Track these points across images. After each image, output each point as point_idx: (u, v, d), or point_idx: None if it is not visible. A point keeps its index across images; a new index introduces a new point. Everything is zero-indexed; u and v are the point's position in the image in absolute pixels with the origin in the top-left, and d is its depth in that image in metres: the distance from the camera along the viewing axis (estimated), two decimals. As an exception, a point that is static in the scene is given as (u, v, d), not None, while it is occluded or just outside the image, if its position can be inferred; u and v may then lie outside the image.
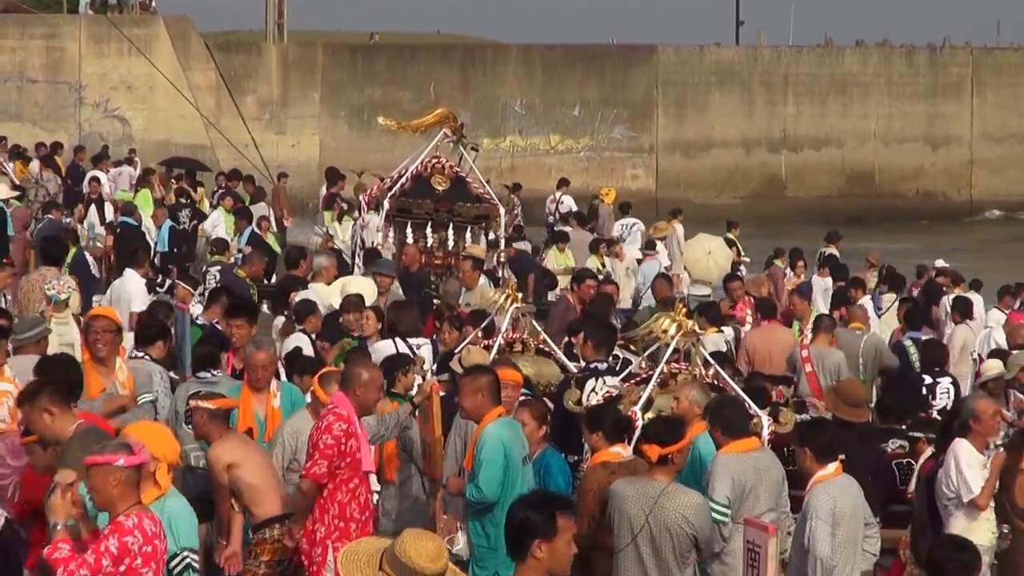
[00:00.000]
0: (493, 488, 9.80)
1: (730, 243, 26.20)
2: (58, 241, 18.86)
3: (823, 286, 23.63)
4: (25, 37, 44.17)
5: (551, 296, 24.22)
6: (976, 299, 21.71)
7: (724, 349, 16.08)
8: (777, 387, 14.49)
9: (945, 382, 15.66)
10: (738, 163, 47.04)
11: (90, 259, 20.73)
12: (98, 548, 7.47)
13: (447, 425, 11.18)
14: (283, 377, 12.84)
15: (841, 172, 47.43)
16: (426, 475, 11.53)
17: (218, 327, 14.60)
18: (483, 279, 18.33)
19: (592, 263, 24.15)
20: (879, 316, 21.08)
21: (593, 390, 11.82)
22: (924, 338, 17.78)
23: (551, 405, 11.95)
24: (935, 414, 14.61)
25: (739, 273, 23.39)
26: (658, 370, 11.64)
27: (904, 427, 13.32)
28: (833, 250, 26.17)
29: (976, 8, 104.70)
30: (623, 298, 22.50)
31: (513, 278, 19.94)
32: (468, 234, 20.00)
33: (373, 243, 20.53)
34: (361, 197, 21.89)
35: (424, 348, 14.49)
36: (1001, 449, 11.38)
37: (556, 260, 25.27)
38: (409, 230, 19.86)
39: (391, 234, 20.11)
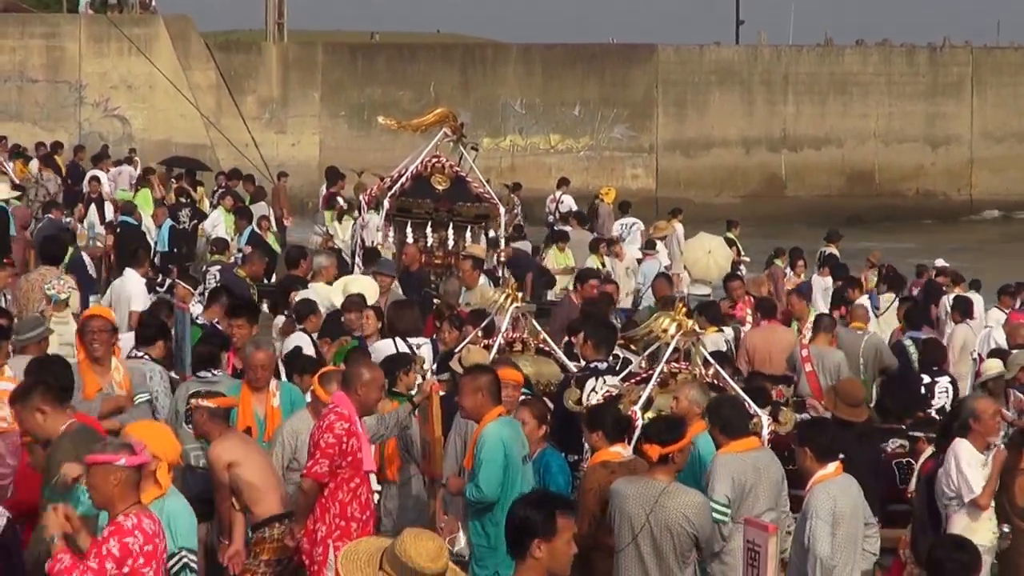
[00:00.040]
0: (493, 487, 9.80)
1: (730, 242, 26.21)
2: (58, 241, 18.84)
3: (823, 286, 23.63)
4: (25, 36, 44.17)
5: (551, 295, 24.25)
6: (976, 299, 21.72)
7: (724, 349, 16.08)
8: (777, 387, 14.50)
9: (943, 381, 15.66)
10: (738, 162, 47.04)
11: (87, 259, 20.70)
12: (100, 552, 7.47)
13: (447, 425, 11.18)
14: (283, 377, 12.85)
15: (841, 172, 47.43)
16: (425, 475, 11.53)
17: (218, 327, 14.61)
18: (483, 278, 18.33)
19: (592, 263, 24.16)
20: (876, 316, 21.07)
21: (593, 389, 11.83)
22: (923, 337, 17.79)
23: (551, 405, 11.96)
24: (933, 413, 14.62)
25: (739, 273, 23.39)
26: (658, 369, 11.64)
27: (904, 427, 13.32)
28: (833, 250, 26.17)
29: (976, 8, 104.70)
30: (623, 298, 22.49)
31: (513, 278, 19.93)
32: (468, 234, 20.00)
33: (373, 242, 20.53)
34: (361, 197, 21.89)
35: (424, 348, 14.49)
36: (1002, 446, 11.37)
37: (556, 259, 25.27)
38: (409, 229, 19.86)
39: (391, 233, 20.11)
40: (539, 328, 13.96)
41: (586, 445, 10.84)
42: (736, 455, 9.96)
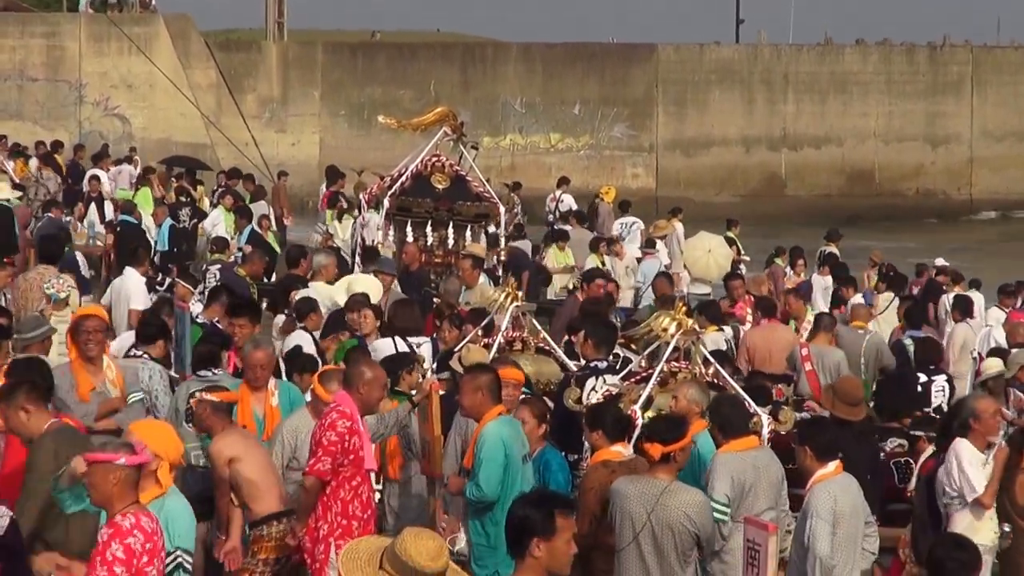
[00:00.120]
0: (493, 487, 9.80)
1: (730, 242, 26.22)
2: (56, 240, 18.87)
3: (823, 285, 23.65)
4: (25, 35, 44.18)
5: (551, 294, 24.27)
6: (977, 297, 21.73)
7: (724, 348, 16.08)
8: (777, 386, 14.50)
9: (940, 380, 15.66)
10: (738, 162, 47.04)
11: (81, 258, 20.72)
12: (105, 559, 7.46)
13: (447, 424, 11.19)
14: (283, 376, 12.86)
15: (841, 171, 47.43)
16: (425, 474, 11.53)
17: (218, 326, 14.61)
18: (483, 278, 18.34)
19: (592, 262, 24.16)
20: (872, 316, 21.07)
21: (593, 388, 11.83)
22: (919, 336, 17.80)
23: (551, 404, 11.96)
24: (931, 412, 14.62)
25: (739, 272, 23.40)
26: (658, 369, 11.65)
27: (902, 426, 13.32)
28: (833, 249, 26.18)
29: (976, 6, 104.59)
30: (622, 297, 22.49)
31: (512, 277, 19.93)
32: (468, 233, 20.00)
33: (373, 242, 20.53)
34: (361, 196, 21.88)
35: (424, 347, 14.49)
36: (1003, 444, 11.36)
37: (556, 259, 25.28)
38: (409, 229, 19.85)
39: (391, 232, 20.10)
40: (539, 327, 13.97)
41: (586, 444, 10.84)
42: (736, 454, 9.97)
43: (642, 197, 41.28)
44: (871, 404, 14.47)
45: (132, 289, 17.52)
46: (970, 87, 47.82)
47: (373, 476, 10.31)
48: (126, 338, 14.08)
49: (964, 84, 47.83)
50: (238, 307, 14.18)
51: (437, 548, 6.33)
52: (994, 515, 11.05)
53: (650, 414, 11.07)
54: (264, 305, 17.15)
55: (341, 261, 20.23)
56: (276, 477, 10.40)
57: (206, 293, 16.87)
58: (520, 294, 13.97)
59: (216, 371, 12.10)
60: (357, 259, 20.23)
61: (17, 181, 28.63)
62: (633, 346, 13.54)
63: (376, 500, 10.78)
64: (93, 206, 28.21)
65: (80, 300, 17.85)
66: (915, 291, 23.23)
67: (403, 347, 14.01)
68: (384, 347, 13.98)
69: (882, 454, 12.89)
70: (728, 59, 47.74)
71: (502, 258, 20.64)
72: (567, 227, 27.59)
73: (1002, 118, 47.91)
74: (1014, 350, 16.16)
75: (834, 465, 9.60)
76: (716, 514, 9.53)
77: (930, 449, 12.06)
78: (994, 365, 15.24)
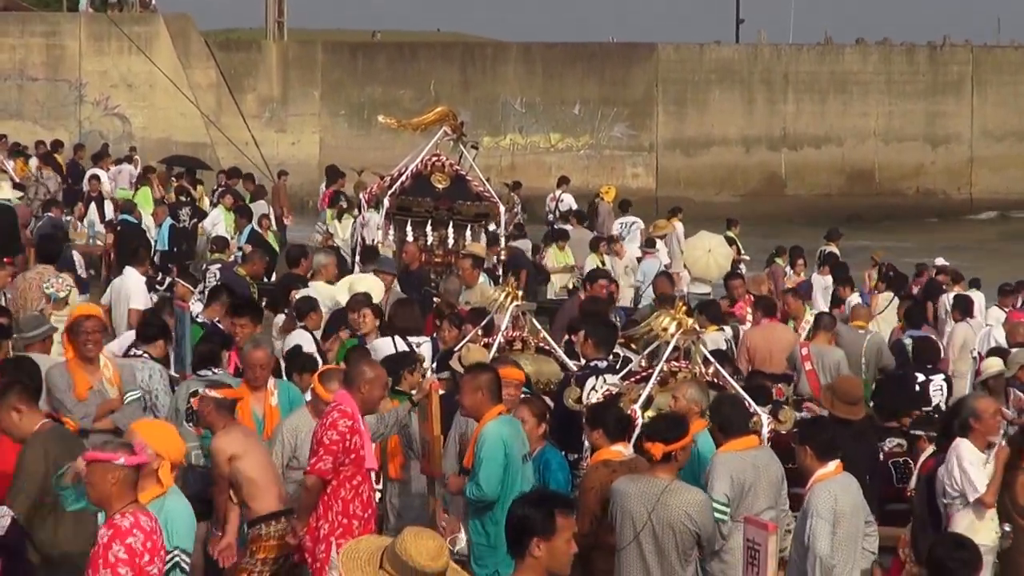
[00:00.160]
0: (493, 486, 9.80)
1: (730, 241, 26.22)
2: (54, 239, 18.85)
3: (823, 284, 23.66)
4: (25, 35, 44.17)
5: (551, 294, 24.29)
6: (977, 297, 21.73)
7: (724, 347, 16.08)
8: (777, 385, 14.50)
9: (938, 379, 15.67)
10: (738, 161, 47.03)
11: (77, 257, 20.70)
12: (107, 560, 7.46)
13: (447, 424, 11.18)
14: (283, 375, 12.85)
15: (841, 170, 47.42)
16: (424, 473, 11.53)
17: (219, 325, 14.61)
18: (483, 277, 18.33)
19: (592, 261, 24.16)
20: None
21: (593, 388, 11.83)
22: (916, 335, 17.80)
23: (550, 403, 11.96)
24: (930, 412, 14.62)
25: (739, 271, 23.40)
26: (658, 368, 11.65)
27: (901, 426, 13.31)
28: (833, 248, 26.19)
29: (976, 6, 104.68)
30: (621, 296, 22.49)
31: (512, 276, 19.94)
32: (468, 232, 20.00)
33: (374, 241, 20.54)
34: (361, 195, 21.89)
35: (424, 346, 14.49)
36: (1004, 443, 11.35)
37: (556, 258, 25.29)
38: (409, 228, 19.85)
39: (391, 232, 20.11)
40: (539, 327, 13.97)
41: (585, 444, 10.84)
42: (735, 454, 9.97)
43: (642, 197, 41.26)
44: (871, 404, 14.47)
45: (132, 289, 17.52)
46: (970, 87, 47.82)
47: (373, 475, 10.30)
48: (127, 338, 14.08)
49: (964, 84, 47.82)
50: (240, 307, 14.18)
51: (437, 548, 6.33)
52: (995, 515, 11.05)
53: (650, 414, 11.07)
54: (264, 304, 17.16)
55: (341, 260, 20.23)
56: (276, 476, 10.39)
57: (206, 293, 16.87)
58: (520, 293, 13.97)
59: (216, 371, 12.10)
60: (357, 258, 20.23)
61: (17, 181, 28.62)
62: (633, 345, 13.53)
63: (376, 500, 10.77)
64: (93, 206, 28.20)
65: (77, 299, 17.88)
66: (915, 291, 23.24)
67: (402, 347, 14.01)
68: (383, 346, 13.98)
69: (880, 454, 12.88)
70: (728, 59, 47.73)
71: (502, 258, 20.64)
72: (567, 227, 27.59)
73: (1002, 118, 47.91)
74: (1014, 349, 16.16)
75: (834, 464, 9.60)
76: (715, 514, 9.52)
77: (930, 449, 12.06)
78: (994, 364, 15.24)
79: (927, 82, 47.74)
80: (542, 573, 6.68)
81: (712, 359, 11.94)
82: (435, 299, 17.51)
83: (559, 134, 46.32)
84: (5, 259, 18.76)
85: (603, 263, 24.22)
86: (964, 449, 11.02)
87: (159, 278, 19.67)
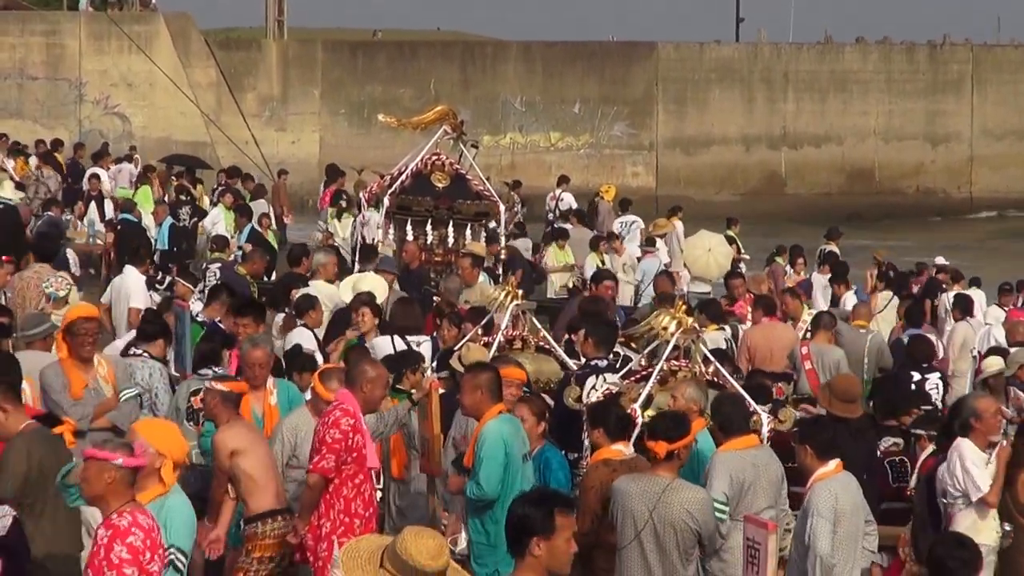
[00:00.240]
0: (493, 485, 9.80)
1: (730, 240, 26.22)
2: (52, 238, 18.83)
3: (823, 283, 23.65)
4: (25, 34, 44.17)
5: (551, 293, 24.28)
6: (977, 295, 21.73)
7: (724, 346, 16.07)
8: (777, 384, 14.49)
9: (933, 378, 15.67)
10: (738, 160, 47.03)
11: (72, 257, 20.70)
12: (111, 561, 7.45)
13: (447, 422, 11.18)
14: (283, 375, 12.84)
15: (841, 169, 47.42)
16: (424, 472, 11.54)
17: (219, 324, 14.60)
18: (483, 276, 18.33)
19: (592, 260, 24.16)
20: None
21: (593, 387, 11.82)
22: (912, 334, 17.80)
23: (550, 402, 11.95)
24: (929, 410, 14.59)
25: (739, 270, 23.40)
26: (658, 367, 11.64)
27: (900, 425, 13.29)
28: (833, 247, 26.19)
29: (976, 5, 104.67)
30: (620, 294, 22.48)
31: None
32: (468, 231, 20.00)
33: (374, 240, 20.54)
34: (361, 194, 21.89)
35: (424, 345, 14.49)
36: (1004, 442, 11.34)
37: (556, 257, 25.29)
38: (409, 227, 19.86)
39: (391, 231, 20.12)
40: (539, 326, 13.96)
41: (586, 443, 10.84)
42: (735, 453, 9.97)
43: (642, 196, 41.26)
44: (869, 403, 14.46)
45: (132, 288, 17.51)
46: (970, 86, 47.81)
47: (374, 474, 10.30)
48: (128, 337, 14.07)
49: (964, 83, 47.82)
50: (243, 306, 14.15)
51: (437, 547, 6.33)
52: (996, 514, 11.04)
53: (650, 413, 11.07)
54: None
55: (341, 260, 20.24)
56: (275, 474, 10.36)
57: (206, 292, 16.86)
58: (520, 292, 13.97)
59: (217, 370, 12.07)
60: (356, 257, 20.24)
61: (17, 180, 28.62)
62: (633, 344, 13.53)
63: (378, 498, 10.77)
64: (93, 205, 28.22)
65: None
66: (915, 290, 23.24)
67: (402, 346, 14.01)
68: (383, 345, 13.98)
69: (878, 452, 12.87)
70: (728, 58, 47.73)
71: (502, 257, 20.64)
72: (567, 226, 27.58)
73: (1002, 117, 47.90)
74: (1014, 348, 16.16)
75: (835, 463, 9.60)
76: (715, 512, 9.53)
77: (931, 448, 12.05)
78: (994, 363, 15.24)
79: (927, 81, 47.74)
80: (542, 572, 6.68)
81: (712, 358, 11.94)
82: (435, 298, 17.51)
83: (559, 133, 46.33)
84: (4, 257, 18.75)
85: (603, 262, 24.22)
86: (966, 449, 11.00)
87: (159, 277, 19.67)
